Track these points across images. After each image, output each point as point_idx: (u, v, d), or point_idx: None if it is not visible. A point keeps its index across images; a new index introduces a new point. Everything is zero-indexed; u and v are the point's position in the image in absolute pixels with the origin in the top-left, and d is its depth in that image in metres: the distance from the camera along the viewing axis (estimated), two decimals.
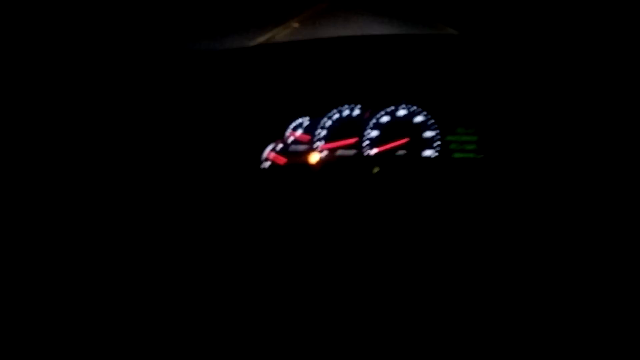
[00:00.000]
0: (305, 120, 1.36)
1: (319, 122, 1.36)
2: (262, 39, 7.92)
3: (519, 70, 1.31)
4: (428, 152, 1.33)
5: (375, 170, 1.32)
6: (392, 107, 1.34)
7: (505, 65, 1.33)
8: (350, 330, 1.05)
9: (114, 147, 1.34)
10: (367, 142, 1.35)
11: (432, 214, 1.24)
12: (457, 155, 1.32)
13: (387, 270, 1.16)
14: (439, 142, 1.32)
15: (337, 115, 1.36)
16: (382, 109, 1.34)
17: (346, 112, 1.35)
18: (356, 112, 1.35)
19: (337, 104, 1.35)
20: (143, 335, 1.07)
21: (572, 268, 1.09)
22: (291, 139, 1.37)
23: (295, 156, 1.36)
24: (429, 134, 1.33)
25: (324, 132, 1.36)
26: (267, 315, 1.08)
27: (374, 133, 1.35)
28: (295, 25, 10.06)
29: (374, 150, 1.35)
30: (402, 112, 1.34)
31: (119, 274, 1.14)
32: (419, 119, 1.33)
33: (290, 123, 1.37)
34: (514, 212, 1.20)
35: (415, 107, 1.33)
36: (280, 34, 8.98)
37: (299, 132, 1.37)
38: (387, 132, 1.34)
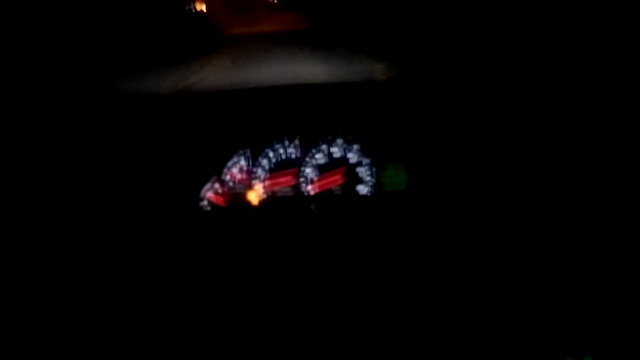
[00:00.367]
0: (242, 159, 1.40)
1: (255, 161, 1.40)
2: (196, 78, 7.89)
3: (442, 111, 1.42)
4: (361, 188, 1.41)
5: (313, 207, 1.38)
6: (326, 146, 1.41)
7: (429, 108, 1.44)
8: None
9: (47, 195, 1.31)
10: (304, 179, 1.41)
11: (370, 246, 1.30)
12: (388, 188, 1.40)
13: (328, 302, 1.20)
14: (370, 178, 1.40)
15: (273, 154, 1.40)
16: (316, 148, 1.41)
17: (282, 151, 1.41)
18: (291, 150, 1.41)
19: (272, 143, 1.40)
20: None
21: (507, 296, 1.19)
22: (228, 178, 1.40)
23: (233, 196, 1.39)
24: (361, 170, 1.41)
25: (261, 171, 1.40)
26: None
27: (310, 171, 1.41)
28: (228, 64, 10.15)
29: (310, 188, 1.41)
30: (336, 151, 1.41)
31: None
32: (352, 156, 1.40)
33: (226, 162, 1.40)
34: (443, 241, 1.29)
35: (347, 146, 1.40)
36: (213, 73, 9.00)
37: (236, 171, 1.40)
38: (323, 170, 1.41)
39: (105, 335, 1.12)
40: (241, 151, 1.39)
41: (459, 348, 1.11)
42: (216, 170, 1.39)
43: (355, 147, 1.40)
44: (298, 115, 1.43)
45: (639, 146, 1.31)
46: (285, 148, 1.40)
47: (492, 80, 1.57)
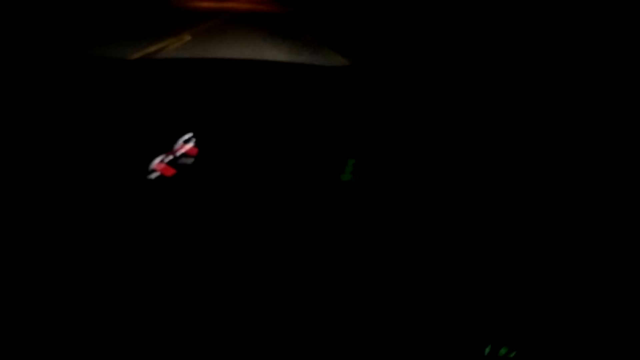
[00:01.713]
0: (195, 134, 1.41)
1: (207, 137, 1.41)
2: (153, 48, 7.74)
3: (401, 105, 1.47)
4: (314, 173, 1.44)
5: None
6: (277, 130, 1.43)
7: (387, 99, 1.49)
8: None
9: None
10: (255, 161, 1.43)
11: (316, 227, 1.34)
12: (343, 177, 1.44)
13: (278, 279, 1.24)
14: (324, 165, 1.44)
15: (228, 132, 1.42)
16: (267, 131, 1.43)
17: (238, 131, 1.42)
18: (246, 132, 1.42)
19: (228, 121, 1.41)
20: None
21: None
22: (181, 151, 1.40)
23: (184, 168, 1.39)
24: (316, 157, 1.44)
25: (212, 147, 1.41)
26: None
27: (261, 153, 1.43)
28: (188, 38, 9.94)
29: (261, 169, 1.43)
30: (287, 136, 1.44)
31: None
32: (307, 143, 1.44)
33: (180, 136, 1.40)
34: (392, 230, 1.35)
35: (301, 132, 1.43)
36: (172, 45, 8.82)
37: (189, 145, 1.40)
38: (272, 153, 1.43)
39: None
40: (194, 126, 1.40)
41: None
42: (169, 143, 1.39)
43: (309, 133, 1.43)
44: (254, 93, 1.44)
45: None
46: (239, 128, 1.42)
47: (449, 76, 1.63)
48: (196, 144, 1.41)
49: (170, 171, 1.38)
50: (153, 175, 1.37)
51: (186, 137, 1.40)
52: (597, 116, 1.35)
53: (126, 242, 1.25)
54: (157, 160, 1.38)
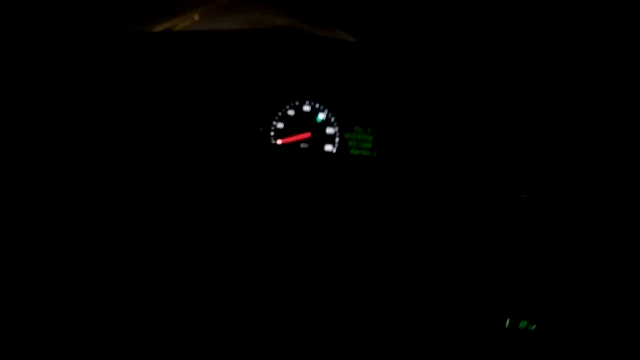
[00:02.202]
0: (212, 109, 1.40)
1: (224, 112, 1.40)
2: (160, 27, 7.62)
3: (414, 77, 1.45)
4: (328, 147, 1.44)
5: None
6: (297, 102, 1.42)
7: (402, 72, 1.47)
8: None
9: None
10: (273, 132, 1.43)
11: (328, 205, 1.34)
12: (354, 152, 1.43)
13: (280, 255, 1.24)
14: (338, 139, 1.43)
15: (243, 106, 1.41)
16: (287, 103, 1.42)
17: (253, 104, 1.41)
18: (262, 105, 1.41)
19: (243, 96, 1.40)
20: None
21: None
22: (195, 127, 1.39)
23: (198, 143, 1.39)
24: (329, 130, 1.43)
25: (228, 122, 1.41)
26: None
27: (280, 125, 1.43)
28: (196, 17, 9.82)
29: (279, 141, 1.43)
30: (306, 108, 1.43)
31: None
32: (321, 115, 1.43)
33: (195, 110, 1.39)
34: (402, 208, 1.34)
35: (318, 104, 1.42)
36: (179, 25, 8.70)
37: (204, 120, 1.40)
38: (292, 126, 1.43)
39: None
40: (211, 101, 1.39)
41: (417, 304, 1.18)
42: (183, 119, 1.38)
43: (325, 105, 1.42)
44: (271, 69, 1.43)
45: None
46: (254, 101, 1.41)
47: (467, 51, 1.61)
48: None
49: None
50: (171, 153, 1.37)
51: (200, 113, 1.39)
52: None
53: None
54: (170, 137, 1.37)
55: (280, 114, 1.42)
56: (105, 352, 1.11)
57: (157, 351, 1.13)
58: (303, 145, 1.44)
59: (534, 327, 1.12)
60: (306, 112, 1.43)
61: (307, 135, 1.43)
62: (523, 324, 1.13)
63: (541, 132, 1.35)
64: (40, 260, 1.16)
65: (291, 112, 1.43)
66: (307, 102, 1.42)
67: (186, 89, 1.36)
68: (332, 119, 1.43)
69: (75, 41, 1.34)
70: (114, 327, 1.13)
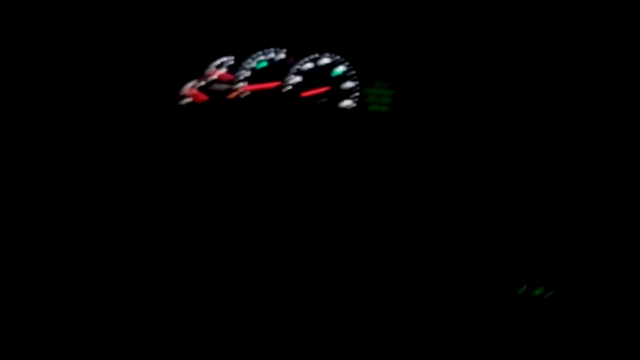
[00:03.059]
0: (229, 60, 1.37)
1: (242, 63, 1.37)
2: None
3: (438, 34, 1.37)
4: (346, 103, 1.38)
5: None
6: (316, 55, 1.37)
7: (425, 27, 1.39)
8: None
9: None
10: (290, 86, 1.38)
11: (346, 163, 1.29)
12: (373, 108, 1.37)
13: (297, 215, 1.21)
14: (357, 94, 1.37)
15: (261, 57, 1.37)
16: (306, 56, 1.37)
17: (271, 56, 1.37)
18: (280, 56, 1.37)
19: (262, 47, 1.36)
20: None
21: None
22: (214, 77, 1.37)
23: (216, 94, 1.37)
24: (348, 84, 1.37)
25: (247, 73, 1.37)
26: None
27: (297, 79, 1.38)
28: None
29: (296, 94, 1.38)
30: (325, 61, 1.37)
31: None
32: (340, 69, 1.37)
33: (212, 61, 1.36)
34: (422, 168, 1.28)
35: (337, 57, 1.36)
36: None
37: (223, 70, 1.37)
38: (309, 79, 1.38)
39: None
40: (229, 51, 1.36)
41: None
42: (202, 68, 1.36)
43: (345, 59, 1.36)
44: (289, 21, 1.38)
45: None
46: (273, 53, 1.37)
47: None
48: (230, 70, 1.37)
49: (203, 97, 1.36)
50: (186, 101, 1.35)
51: (219, 62, 1.36)
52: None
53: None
54: (190, 85, 1.35)
55: (297, 67, 1.37)
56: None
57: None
58: (320, 100, 1.39)
59: (550, 294, 1.05)
60: (324, 66, 1.37)
61: (325, 89, 1.38)
62: (539, 291, 1.06)
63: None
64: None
65: (309, 66, 1.37)
66: (326, 55, 1.37)
67: (195, 36, 1.33)
68: (352, 73, 1.37)
69: None
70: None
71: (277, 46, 1.36)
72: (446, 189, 1.23)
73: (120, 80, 1.30)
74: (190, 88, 1.35)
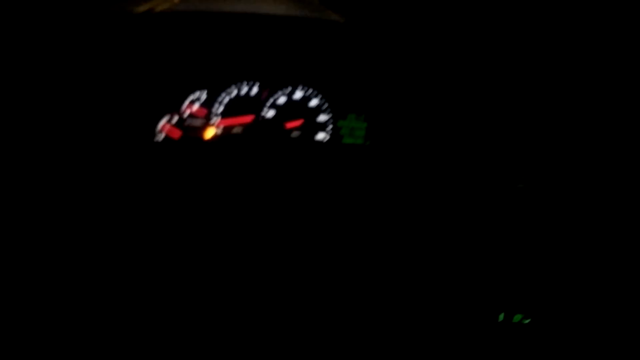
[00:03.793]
0: (203, 95, 1.35)
1: (216, 97, 1.36)
2: (141, 8, 7.40)
3: (410, 64, 1.42)
4: (321, 136, 1.40)
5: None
6: (290, 89, 1.38)
7: (396, 58, 1.44)
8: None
9: None
10: (263, 120, 1.39)
11: (320, 195, 1.31)
12: (347, 140, 1.40)
13: (273, 246, 1.21)
14: (331, 127, 1.40)
15: (235, 92, 1.36)
16: (279, 90, 1.38)
17: (244, 90, 1.37)
18: (254, 90, 1.37)
19: (235, 81, 1.36)
20: None
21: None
22: (187, 112, 1.35)
23: (190, 130, 1.35)
24: (322, 117, 1.40)
25: (221, 108, 1.36)
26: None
27: (271, 112, 1.39)
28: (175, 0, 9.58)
29: (269, 129, 1.39)
30: (298, 95, 1.39)
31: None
32: (314, 102, 1.39)
33: (186, 96, 1.34)
34: (394, 198, 1.32)
35: (311, 90, 1.38)
36: (160, 6, 8.45)
37: (196, 106, 1.35)
38: (283, 113, 1.39)
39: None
40: (201, 87, 1.34)
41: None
42: (176, 104, 1.33)
43: (318, 92, 1.38)
44: (262, 54, 1.38)
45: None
46: (247, 87, 1.36)
47: (461, 36, 1.58)
48: (204, 105, 1.35)
49: (177, 133, 1.33)
50: (160, 137, 1.32)
51: (193, 97, 1.35)
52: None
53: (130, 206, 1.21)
54: (164, 121, 1.32)
55: (270, 101, 1.38)
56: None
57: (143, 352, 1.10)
58: (294, 133, 1.40)
59: (529, 320, 1.12)
60: (298, 99, 1.39)
61: (298, 122, 1.40)
62: (517, 318, 1.12)
63: (538, 120, 1.34)
64: None
65: (282, 100, 1.39)
66: (299, 89, 1.38)
67: (167, 71, 1.31)
68: (325, 106, 1.39)
69: (54, 21, 1.28)
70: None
71: (250, 80, 1.36)
72: (421, 221, 1.28)
73: (91, 117, 1.26)
74: (163, 124, 1.32)
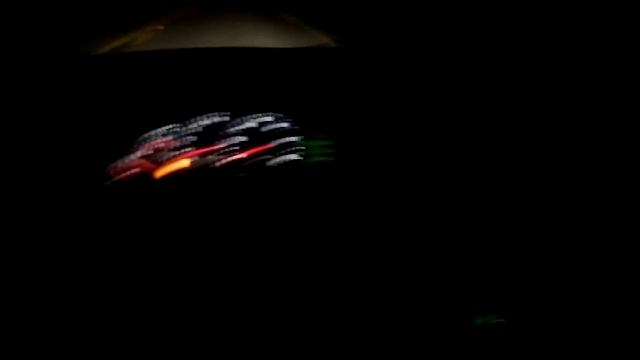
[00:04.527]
0: (176, 126, 1.39)
1: (188, 128, 1.39)
2: (119, 42, 7.40)
3: (372, 82, 1.47)
4: (291, 156, 1.44)
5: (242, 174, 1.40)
6: (259, 115, 1.42)
7: (360, 77, 1.48)
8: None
9: None
10: (237, 146, 1.42)
11: (297, 212, 1.34)
12: (317, 159, 1.44)
13: (252, 269, 1.24)
14: (302, 147, 1.43)
15: (207, 121, 1.40)
16: (250, 115, 1.42)
17: (216, 119, 1.40)
18: (226, 118, 1.41)
19: (205, 111, 1.39)
20: None
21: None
22: (161, 144, 1.38)
23: (163, 162, 1.38)
24: (292, 139, 1.43)
25: (192, 138, 1.40)
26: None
27: (243, 138, 1.42)
28: (160, 28, 9.67)
29: (242, 154, 1.42)
30: (268, 119, 1.42)
31: None
32: (283, 125, 1.43)
33: (157, 129, 1.38)
34: (369, 209, 1.35)
35: (280, 115, 1.42)
36: (142, 38, 8.48)
37: (167, 138, 1.38)
38: (255, 137, 1.42)
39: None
40: (174, 117, 1.38)
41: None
42: (146, 137, 1.37)
43: (287, 115, 1.42)
44: (229, 83, 1.42)
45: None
46: (216, 116, 1.40)
47: (431, 60, 1.62)
48: (175, 137, 1.39)
49: (150, 166, 1.37)
50: (134, 170, 1.35)
51: (164, 129, 1.38)
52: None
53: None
54: (137, 154, 1.36)
55: (242, 127, 1.42)
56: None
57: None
58: (267, 156, 1.43)
59: (503, 320, 1.13)
60: (269, 123, 1.43)
61: (269, 145, 1.43)
62: (493, 320, 1.14)
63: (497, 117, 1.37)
64: None
65: (253, 124, 1.42)
66: (269, 113, 1.42)
67: (137, 107, 1.35)
68: (295, 128, 1.43)
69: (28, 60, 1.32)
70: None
71: (221, 109, 1.40)
72: (397, 233, 1.30)
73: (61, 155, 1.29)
74: (137, 157, 1.36)
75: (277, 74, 1.46)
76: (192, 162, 1.39)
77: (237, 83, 1.44)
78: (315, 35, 8.46)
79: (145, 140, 1.36)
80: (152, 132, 1.37)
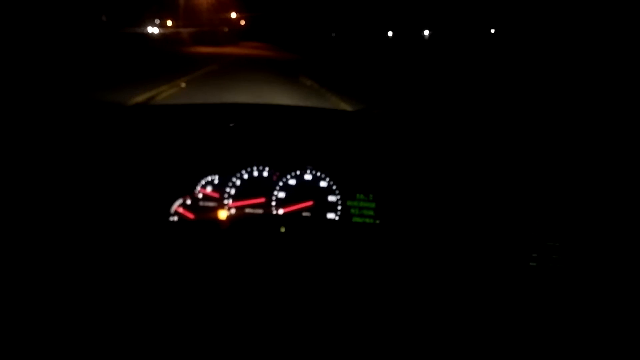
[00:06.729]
0: (215, 178, 1.40)
1: (228, 181, 1.40)
2: (142, 97, 7.60)
3: (412, 142, 1.48)
4: (330, 215, 1.43)
5: (282, 229, 1.39)
6: (299, 172, 1.43)
7: (401, 140, 1.50)
8: None
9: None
10: (275, 202, 1.42)
11: (333, 273, 1.32)
12: (356, 219, 1.43)
13: (293, 324, 1.20)
14: (340, 207, 1.43)
15: (246, 175, 1.41)
16: (289, 172, 1.43)
17: (255, 173, 1.42)
18: (265, 173, 1.42)
19: (246, 165, 1.41)
20: None
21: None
22: (200, 195, 1.39)
23: (204, 212, 1.38)
24: (331, 198, 1.43)
25: (233, 191, 1.41)
26: None
27: (282, 194, 1.43)
28: (183, 85, 10.00)
29: (281, 211, 1.42)
30: (307, 177, 1.43)
31: None
32: (323, 184, 1.43)
33: (199, 180, 1.39)
34: (407, 275, 1.32)
35: (319, 173, 1.43)
36: (166, 92, 8.77)
37: (209, 189, 1.40)
38: (294, 194, 1.43)
39: None
40: (214, 170, 1.39)
41: None
42: (189, 187, 1.38)
43: (327, 174, 1.43)
44: (271, 138, 1.45)
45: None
46: (258, 170, 1.42)
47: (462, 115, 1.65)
48: (216, 188, 1.40)
49: (191, 215, 1.37)
50: (174, 219, 1.35)
51: (206, 180, 1.39)
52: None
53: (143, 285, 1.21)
54: (178, 203, 1.36)
55: (281, 183, 1.43)
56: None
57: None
58: (305, 213, 1.43)
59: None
60: (307, 181, 1.44)
61: (309, 203, 1.43)
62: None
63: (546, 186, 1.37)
64: None
65: (292, 182, 1.43)
66: (308, 171, 1.43)
67: (182, 156, 1.37)
68: (334, 187, 1.43)
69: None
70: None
71: (260, 163, 1.42)
72: (432, 296, 1.27)
73: (107, 196, 1.30)
74: (177, 206, 1.36)
75: (314, 133, 1.49)
76: (231, 214, 1.40)
77: (275, 139, 1.46)
78: (332, 100, 8.70)
79: (189, 188, 1.37)
80: (193, 182, 1.38)
